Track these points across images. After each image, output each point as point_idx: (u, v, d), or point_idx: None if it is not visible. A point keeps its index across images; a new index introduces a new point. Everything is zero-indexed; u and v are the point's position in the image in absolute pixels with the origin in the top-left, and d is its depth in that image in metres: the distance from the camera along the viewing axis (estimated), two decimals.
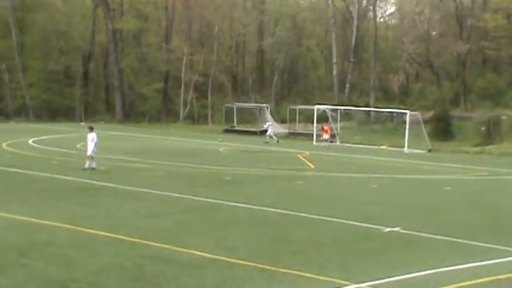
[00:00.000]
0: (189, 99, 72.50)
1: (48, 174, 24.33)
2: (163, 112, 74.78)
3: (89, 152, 26.58)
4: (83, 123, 61.89)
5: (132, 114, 73.59)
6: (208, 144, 46.06)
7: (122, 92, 74.11)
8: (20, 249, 12.64)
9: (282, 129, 63.11)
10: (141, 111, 74.49)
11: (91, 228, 14.68)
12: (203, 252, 12.93)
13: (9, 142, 37.98)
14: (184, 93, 72.23)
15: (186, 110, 72.50)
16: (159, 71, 76.58)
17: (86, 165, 26.16)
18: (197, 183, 24.61)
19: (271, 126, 53.52)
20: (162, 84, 75.52)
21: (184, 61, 71.40)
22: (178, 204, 19.24)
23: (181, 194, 20.76)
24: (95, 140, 26.76)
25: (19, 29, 71.00)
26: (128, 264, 11.97)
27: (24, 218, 15.57)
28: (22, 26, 72.42)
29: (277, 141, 51.11)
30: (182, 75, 71.89)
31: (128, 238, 13.91)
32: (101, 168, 26.81)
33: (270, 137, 51.56)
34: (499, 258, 13.63)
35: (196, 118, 72.35)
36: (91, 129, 27.59)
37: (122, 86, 74.06)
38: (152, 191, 21.13)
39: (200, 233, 15.00)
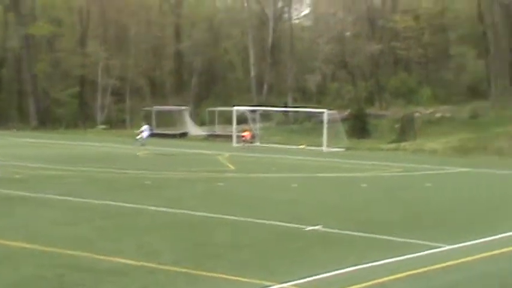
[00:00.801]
0: (106, 104, 71.48)
1: None
2: (80, 117, 73.46)
3: None
4: None
5: (47, 121, 71.97)
6: (127, 148, 45.52)
7: (36, 98, 72.40)
8: None
9: (200, 131, 63.04)
10: (57, 117, 72.97)
11: (8, 240, 14.27)
12: (125, 258, 12.77)
13: None
14: (101, 97, 71.18)
15: (104, 114, 71.46)
16: (74, 76, 75.19)
17: None
18: (117, 188, 24.30)
19: (147, 130, 49.89)
20: (77, 89, 74.18)
21: (100, 65, 70.36)
22: (97, 210, 18.94)
23: (100, 200, 20.44)
24: None
25: None
26: (48, 274, 11.70)
27: None
28: None
29: (142, 144, 47.50)
30: (99, 79, 70.81)
31: (46, 248, 13.58)
32: (17, 176, 26.12)
33: (139, 140, 48.41)
34: (415, 252, 13.95)
35: (114, 122, 71.41)
36: None
37: (36, 92, 72.36)
38: (70, 198, 20.72)
39: (121, 239, 14.82)
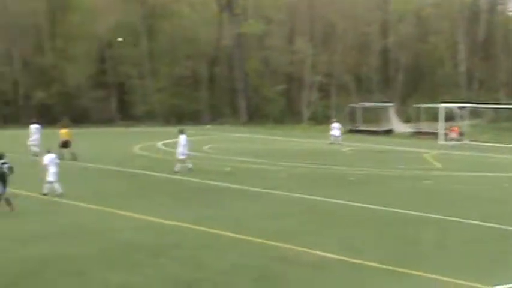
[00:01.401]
0: (312, 100, 72.57)
1: (176, 176, 25.00)
2: (286, 114, 75.23)
3: (181, 155, 26.36)
4: (208, 126, 63.35)
5: (256, 117, 74.51)
6: (332, 144, 45.80)
7: (247, 95, 75.21)
8: (151, 250, 13.10)
9: (406, 128, 61.98)
10: (265, 113, 75.26)
11: (216, 229, 14.96)
12: (327, 252, 12.88)
13: (141, 145, 39.35)
14: (307, 94, 72.40)
15: (310, 111, 72.60)
16: (282, 73, 77.09)
17: (176, 169, 25.98)
18: (320, 183, 24.56)
19: (336, 129, 47.18)
20: (285, 86, 76.01)
21: (307, 62, 71.54)
22: (301, 204, 19.27)
23: (304, 194, 20.77)
24: (185, 142, 26.82)
25: (148, 36, 73.58)
26: (253, 264, 12.12)
27: (152, 219, 16.09)
28: (151, 34, 74.98)
29: (331, 143, 45.42)
30: (305, 76, 72.05)
31: (252, 238, 14.06)
32: (227, 169, 27.34)
33: (336, 138, 46.41)
34: None
35: (319, 119, 72.27)
36: (181, 131, 27.42)
37: (246, 89, 75.14)
38: (276, 192, 21.27)
39: (324, 234, 14.96)
